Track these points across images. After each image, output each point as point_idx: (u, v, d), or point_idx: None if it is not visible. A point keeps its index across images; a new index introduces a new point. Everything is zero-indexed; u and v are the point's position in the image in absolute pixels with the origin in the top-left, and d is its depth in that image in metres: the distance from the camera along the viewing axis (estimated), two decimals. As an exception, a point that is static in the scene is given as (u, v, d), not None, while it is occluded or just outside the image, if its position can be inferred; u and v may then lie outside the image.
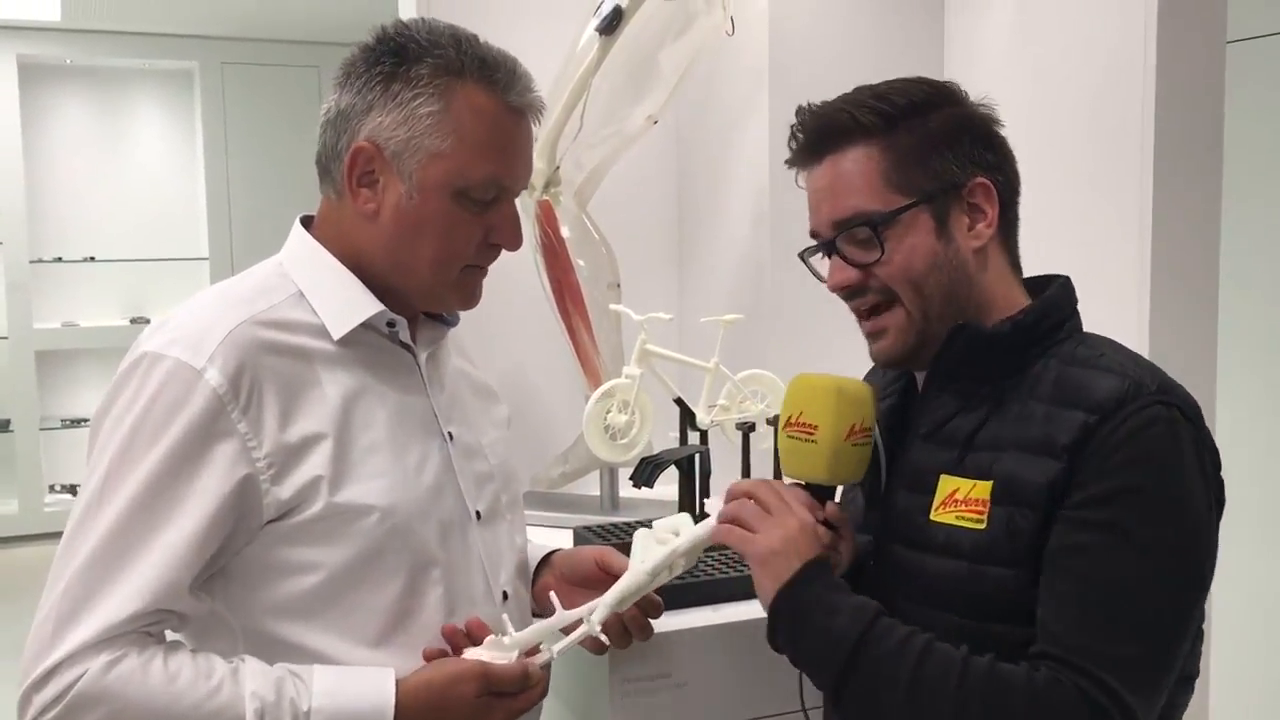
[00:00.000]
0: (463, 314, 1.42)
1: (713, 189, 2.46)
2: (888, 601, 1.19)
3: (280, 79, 6.50)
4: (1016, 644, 1.14)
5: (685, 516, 1.34)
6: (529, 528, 1.55)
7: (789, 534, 1.20)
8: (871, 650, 1.13)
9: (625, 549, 1.46)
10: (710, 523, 1.29)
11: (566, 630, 1.29)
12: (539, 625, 1.28)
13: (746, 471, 1.94)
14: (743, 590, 1.65)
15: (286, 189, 6.27)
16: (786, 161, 1.32)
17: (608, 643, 1.38)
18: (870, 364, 1.39)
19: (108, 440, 1.18)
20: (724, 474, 1.96)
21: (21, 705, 1.13)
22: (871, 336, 1.29)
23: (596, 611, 1.27)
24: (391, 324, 1.31)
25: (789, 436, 1.27)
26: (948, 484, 1.23)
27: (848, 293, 1.27)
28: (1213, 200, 1.89)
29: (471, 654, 1.26)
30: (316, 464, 1.22)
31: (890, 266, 1.23)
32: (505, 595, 1.38)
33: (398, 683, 1.21)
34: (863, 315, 1.29)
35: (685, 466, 1.85)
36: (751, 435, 1.95)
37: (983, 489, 1.20)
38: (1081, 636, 1.10)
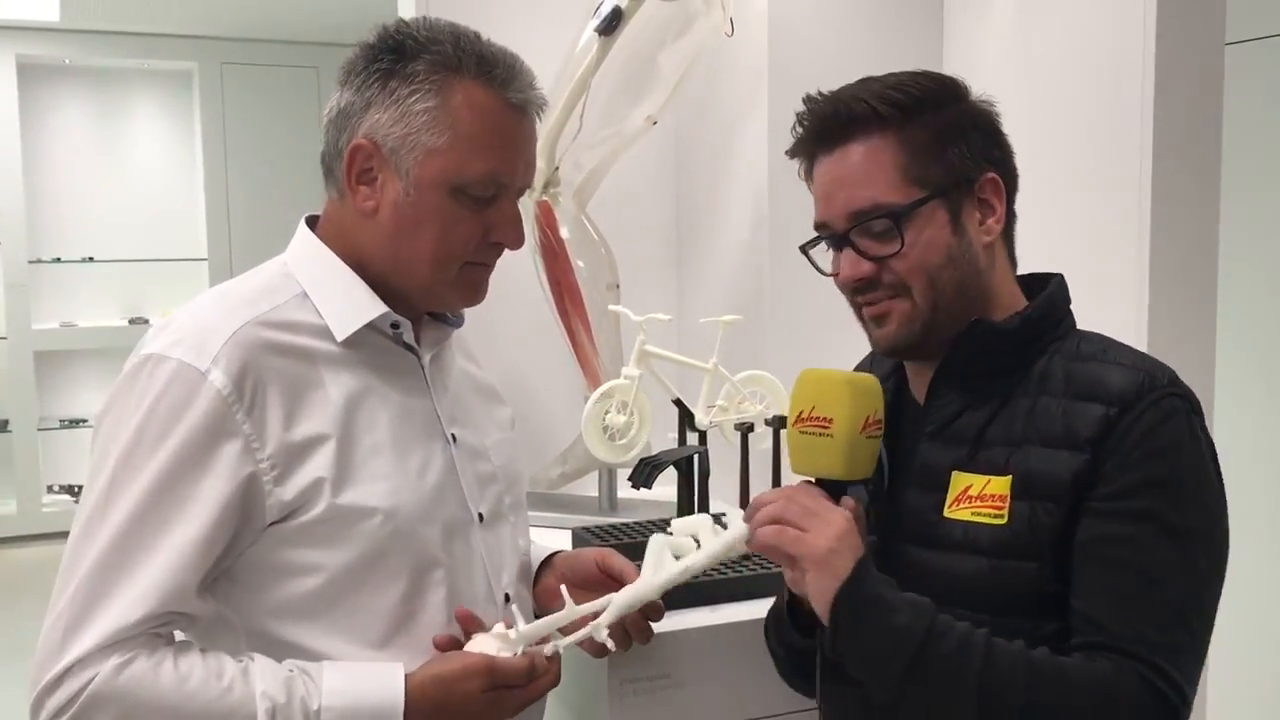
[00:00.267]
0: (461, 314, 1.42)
1: (712, 190, 2.46)
2: None
3: (279, 79, 6.51)
4: (1037, 637, 1.15)
5: (705, 520, 1.30)
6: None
7: (840, 531, 1.17)
8: (936, 647, 1.11)
9: (624, 549, 1.46)
10: (739, 529, 1.25)
11: (568, 630, 1.29)
12: (547, 619, 1.28)
13: (745, 472, 1.94)
14: (742, 591, 1.66)
15: (285, 190, 6.27)
16: (791, 150, 1.29)
17: (612, 648, 1.36)
18: (856, 362, 1.39)
19: (113, 443, 1.18)
20: (723, 475, 1.97)
21: (34, 710, 1.14)
22: (874, 321, 1.27)
23: (603, 616, 1.26)
24: (395, 325, 1.31)
25: (801, 432, 1.24)
26: (960, 480, 1.23)
27: (860, 286, 1.25)
28: (1211, 201, 1.89)
29: (478, 643, 1.26)
30: (319, 465, 1.22)
31: (908, 260, 1.22)
32: (507, 597, 1.38)
33: (406, 678, 1.21)
34: (866, 303, 1.27)
35: (684, 467, 1.85)
36: (750, 436, 1.95)
37: (999, 484, 1.20)
38: (1134, 625, 1.11)
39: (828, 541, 1.16)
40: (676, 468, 1.83)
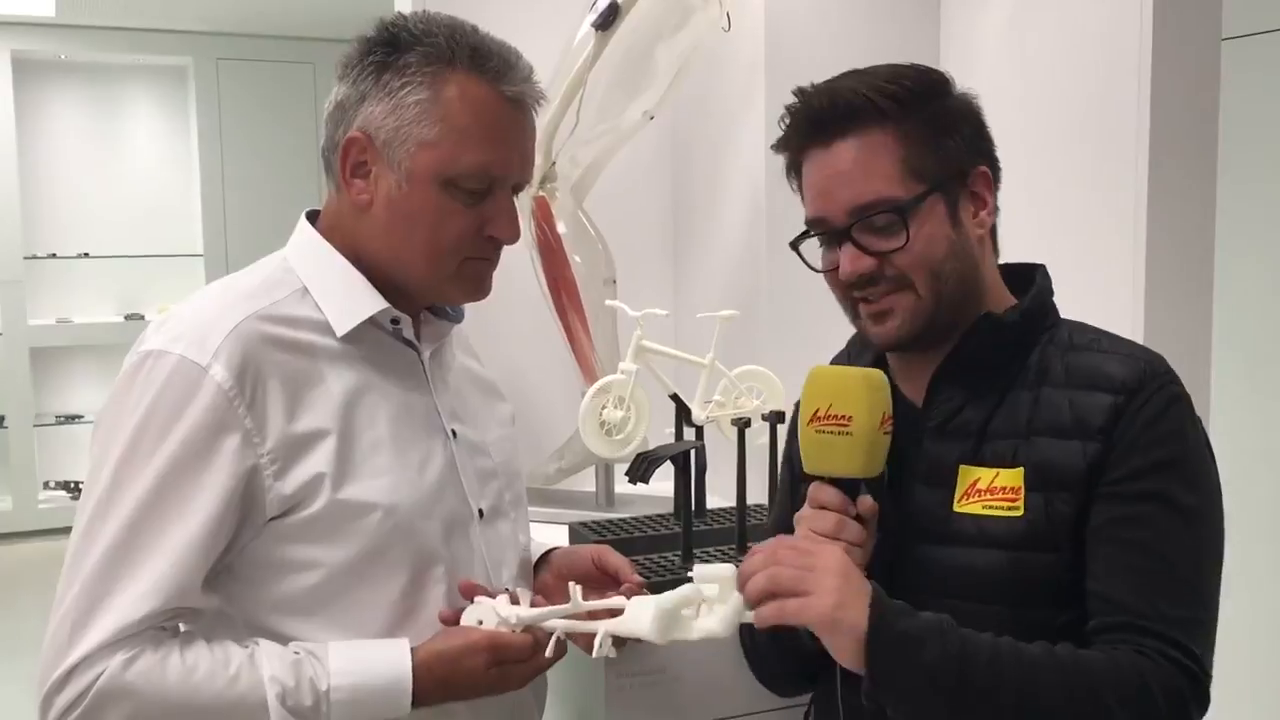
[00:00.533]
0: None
1: (709, 185, 2.45)
2: (915, 599, 1.16)
3: (275, 75, 6.50)
4: (1055, 628, 1.15)
5: (729, 571, 1.18)
6: (525, 523, 1.55)
7: (838, 577, 1.11)
8: (972, 673, 1.09)
9: (621, 545, 1.46)
10: (735, 606, 1.16)
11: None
12: (550, 608, 1.26)
13: (742, 467, 1.94)
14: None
15: (281, 185, 6.27)
16: (781, 144, 1.28)
17: (614, 655, 1.33)
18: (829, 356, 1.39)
19: (114, 439, 1.18)
20: (720, 470, 1.96)
21: (43, 708, 1.14)
22: (874, 318, 1.25)
23: (605, 628, 1.22)
24: (395, 321, 1.31)
25: (819, 432, 1.20)
26: (968, 474, 1.23)
27: (859, 282, 1.23)
28: (1208, 196, 1.89)
29: (476, 611, 1.26)
30: (319, 461, 1.22)
31: (911, 254, 1.21)
32: (505, 592, 1.38)
33: (411, 653, 1.22)
34: (863, 300, 1.25)
35: (681, 462, 1.85)
36: (747, 431, 1.95)
37: (1009, 476, 1.20)
38: (1152, 603, 1.13)
39: (830, 597, 1.10)
40: (673, 463, 1.83)
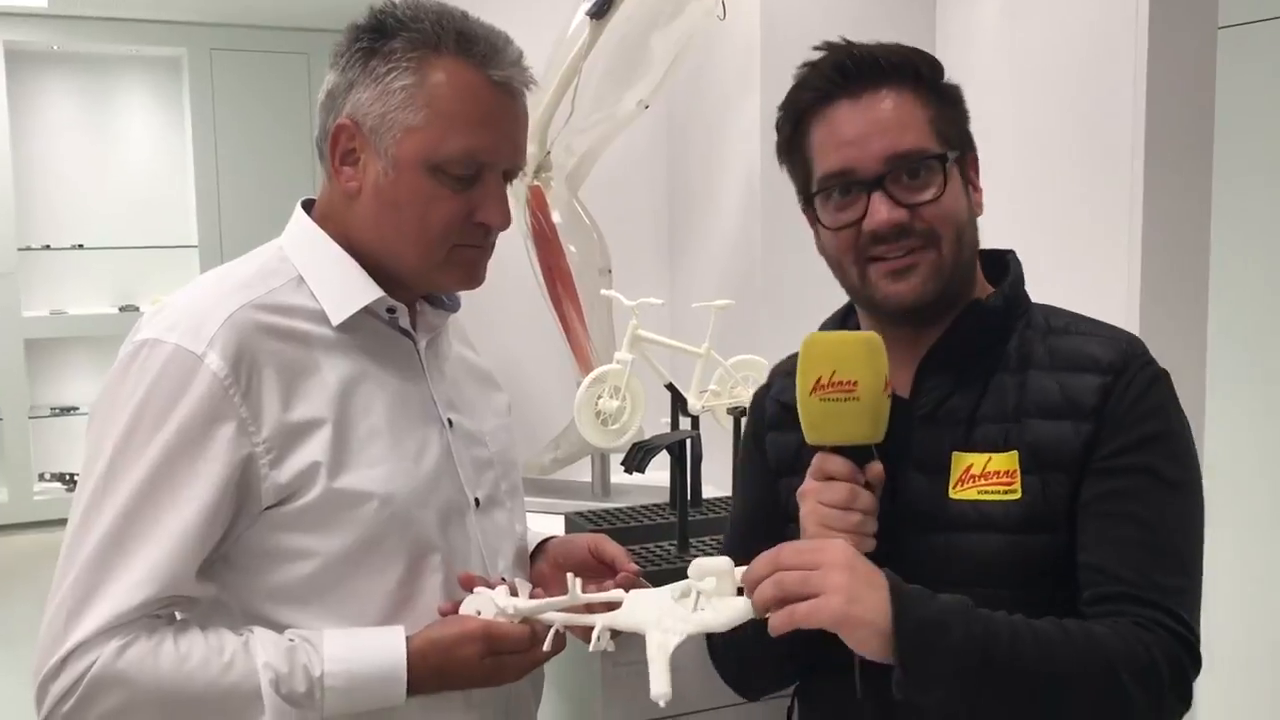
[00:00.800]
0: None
1: (704, 174, 2.45)
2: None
3: (269, 66, 6.47)
4: (1054, 606, 1.15)
5: (727, 565, 1.14)
6: (521, 513, 1.55)
7: (845, 573, 1.06)
8: (993, 651, 1.08)
9: (617, 534, 1.46)
10: (741, 609, 1.12)
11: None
12: (548, 600, 1.25)
13: (737, 456, 1.94)
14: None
15: (276, 176, 6.26)
16: (799, 93, 1.25)
17: (611, 649, 1.31)
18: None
19: (110, 428, 1.18)
20: (716, 459, 1.97)
21: (38, 696, 1.14)
22: (893, 275, 1.22)
23: (602, 621, 1.19)
24: (391, 310, 1.31)
25: (822, 400, 1.16)
26: (961, 461, 1.23)
27: (891, 233, 1.20)
28: (1203, 186, 1.89)
29: (474, 601, 1.25)
30: (315, 449, 1.22)
31: (942, 208, 1.21)
32: (504, 582, 1.38)
33: (406, 641, 1.22)
34: (884, 257, 1.22)
35: (677, 451, 1.85)
36: (743, 420, 1.95)
37: (1003, 460, 1.21)
38: (1144, 572, 1.15)
39: (840, 594, 1.05)
40: (669, 452, 1.83)
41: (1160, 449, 1.19)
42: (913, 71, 1.23)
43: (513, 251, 2.17)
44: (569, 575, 1.22)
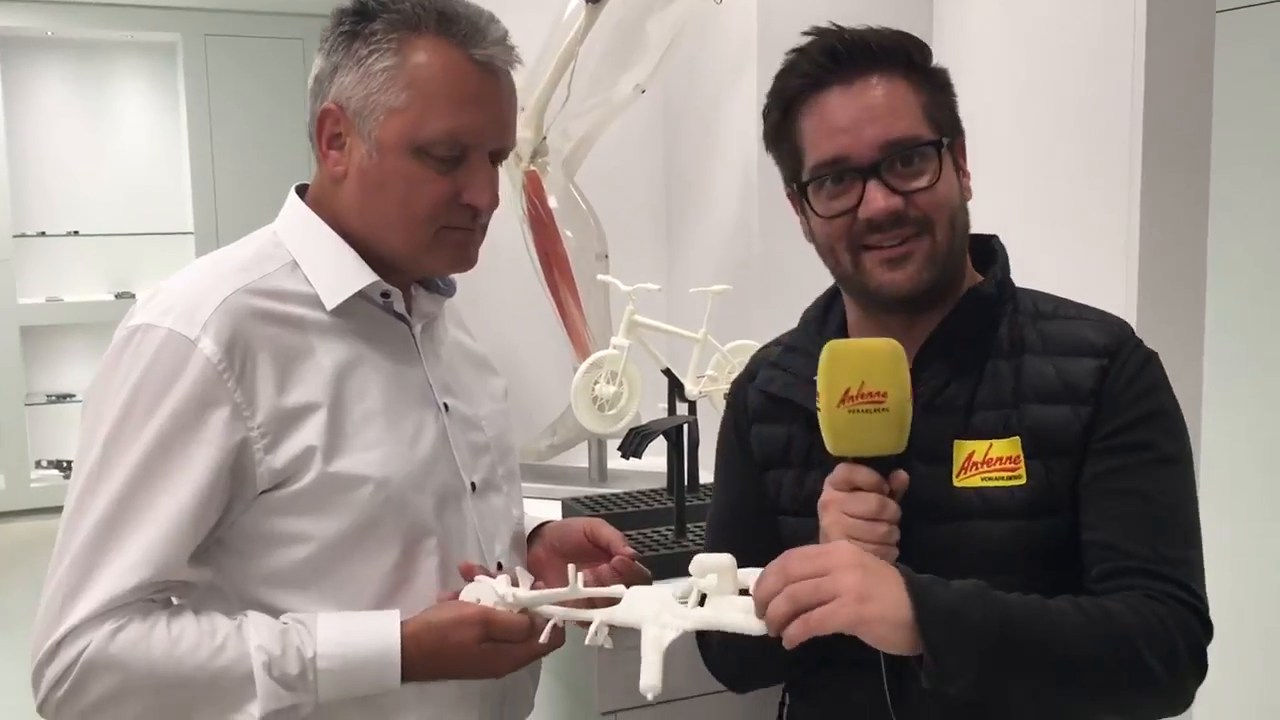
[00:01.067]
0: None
1: (701, 159, 2.45)
2: None
3: (264, 51, 6.45)
4: (1061, 589, 1.15)
5: (728, 561, 1.12)
6: (517, 499, 1.55)
7: (856, 573, 1.05)
8: (1011, 633, 1.07)
9: (614, 520, 1.45)
10: (754, 625, 1.09)
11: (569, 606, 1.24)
12: (548, 592, 1.24)
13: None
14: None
15: (271, 163, 6.24)
16: (787, 78, 1.23)
17: (609, 647, 1.29)
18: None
19: (104, 414, 1.18)
20: (713, 444, 1.96)
21: (34, 681, 1.15)
22: (889, 264, 1.21)
23: (599, 617, 1.18)
24: (386, 294, 1.30)
25: (851, 411, 1.14)
26: (963, 448, 1.22)
27: (887, 222, 1.19)
28: (1201, 174, 1.89)
29: (474, 590, 1.25)
30: (310, 434, 1.21)
31: (936, 195, 1.20)
32: (500, 567, 1.38)
33: (401, 624, 1.21)
34: (880, 245, 1.21)
35: (673, 437, 1.85)
36: (740, 406, 1.95)
37: (1004, 446, 1.21)
38: (1151, 546, 1.16)
39: (853, 595, 1.04)
40: (666, 437, 1.83)
41: (1157, 426, 1.21)
42: (904, 56, 1.22)
43: (509, 237, 2.16)
44: (570, 568, 1.21)
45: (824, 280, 1.35)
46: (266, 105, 6.39)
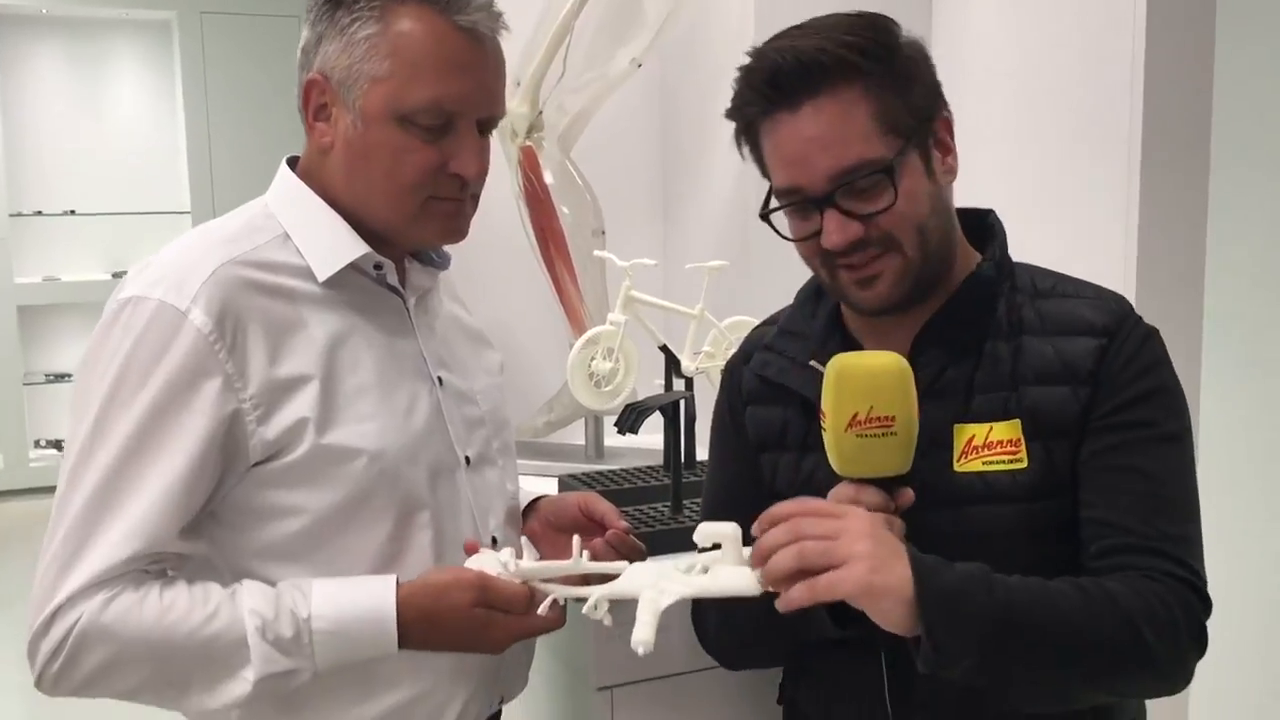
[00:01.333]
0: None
1: (697, 134, 2.43)
2: None
3: (260, 29, 6.42)
4: (1063, 570, 1.15)
5: (733, 530, 1.12)
6: (514, 475, 1.54)
7: (869, 542, 1.03)
8: (1015, 616, 1.07)
9: (611, 496, 1.44)
10: (749, 583, 1.09)
11: (571, 582, 1.22)
12: (551, 564, 1.22)
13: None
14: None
15: (268, 140, 6.21)
16: (737, 109, 1.21)
17: (609, 624, 1.28)
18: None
19: (95, 387, 1.17)
20: (709, 420, 1.96)
21: (30, 654, 1.15)
22: (860, 284, 1.20)
23: (595, 596, 1.16)
24: (379, 266, 1.29)
25: (859, 435, 1.10)
26: (963, 433, 1.21)
27: (851, 246, 1.17)
28: (1201, 172, 1.87)
29: (478, 560, 1.24)
30: (302, 405, 1.21)
31: (897, 214, 1.16)
32: (495, 541, 1.38)
33: (397, 585, 1.21)
34: (848, 266, 1.20)
35: (670, 413, 1.84)
36: (737, 381, 1.94)
37: (1004, 429, 1.20)
38: (1151, 523, 1.16)
39: (864, 563, 1.02)
40: (663, 413, 1.82)
41: (1156, 403, 1.20)
42: (854, 66, 1.15)
43: (505, 213, 2.15)
44: (575, 539, 1.19)
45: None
46: (262, 83, 6.37)
